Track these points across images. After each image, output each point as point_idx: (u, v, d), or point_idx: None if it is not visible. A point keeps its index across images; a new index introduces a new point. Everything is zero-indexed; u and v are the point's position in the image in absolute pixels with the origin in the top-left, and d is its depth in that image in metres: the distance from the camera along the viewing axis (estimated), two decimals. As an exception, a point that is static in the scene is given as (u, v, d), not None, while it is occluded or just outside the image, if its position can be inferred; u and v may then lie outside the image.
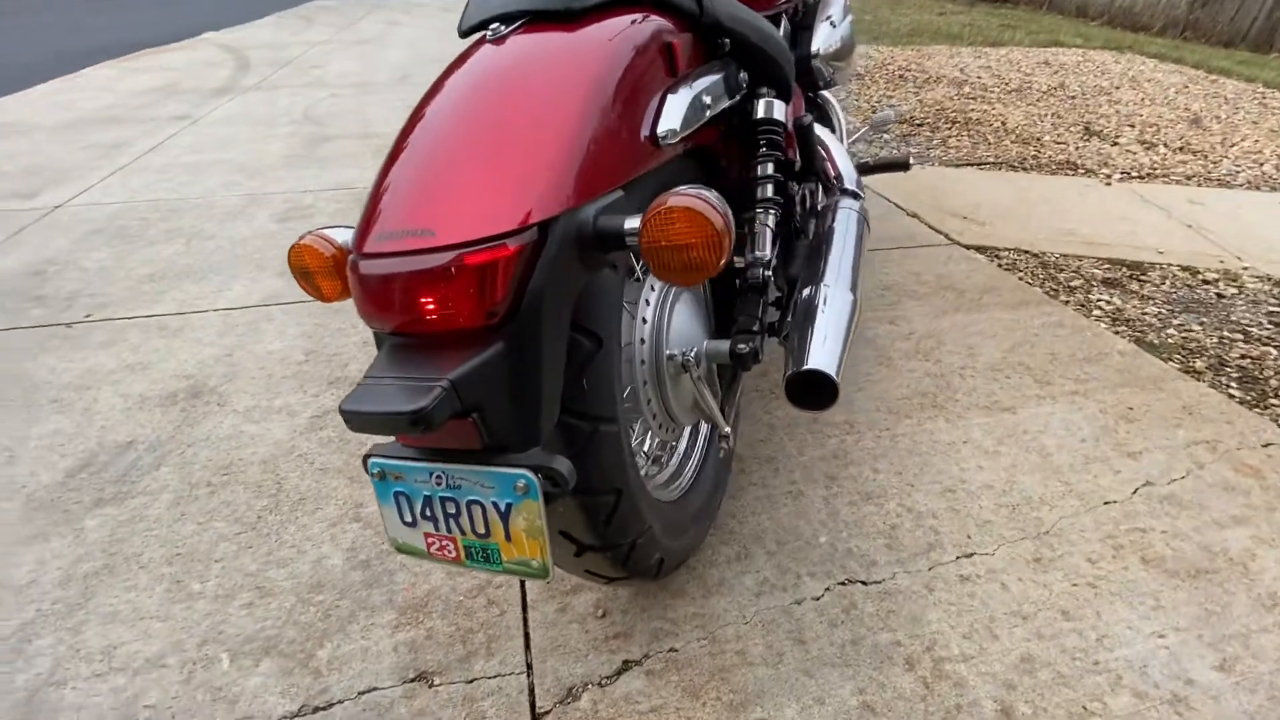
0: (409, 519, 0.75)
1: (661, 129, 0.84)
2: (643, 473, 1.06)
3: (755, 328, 1.10)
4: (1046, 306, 2.05)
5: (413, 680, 1.05)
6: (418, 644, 1.10)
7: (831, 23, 1.68)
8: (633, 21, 0.86)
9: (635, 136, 0.81)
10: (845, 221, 1.30)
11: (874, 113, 2.77)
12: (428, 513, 0.74)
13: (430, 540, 0.76)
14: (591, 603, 1.16)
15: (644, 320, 1.01)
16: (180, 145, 3.44)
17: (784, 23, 1.64)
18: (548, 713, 1.01)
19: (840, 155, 1.52)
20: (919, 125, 3.69)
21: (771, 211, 1.17)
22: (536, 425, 0.70)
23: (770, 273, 1.17)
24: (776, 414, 1.60)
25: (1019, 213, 2.66)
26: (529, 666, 1.07)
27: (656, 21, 0.90)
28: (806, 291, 1.11)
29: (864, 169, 1.98)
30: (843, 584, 1.20)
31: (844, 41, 1.73)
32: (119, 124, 3.80)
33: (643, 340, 1.00)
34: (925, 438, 1.53)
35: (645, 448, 1.09)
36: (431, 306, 0.65)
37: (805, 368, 0.94)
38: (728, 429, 1.11)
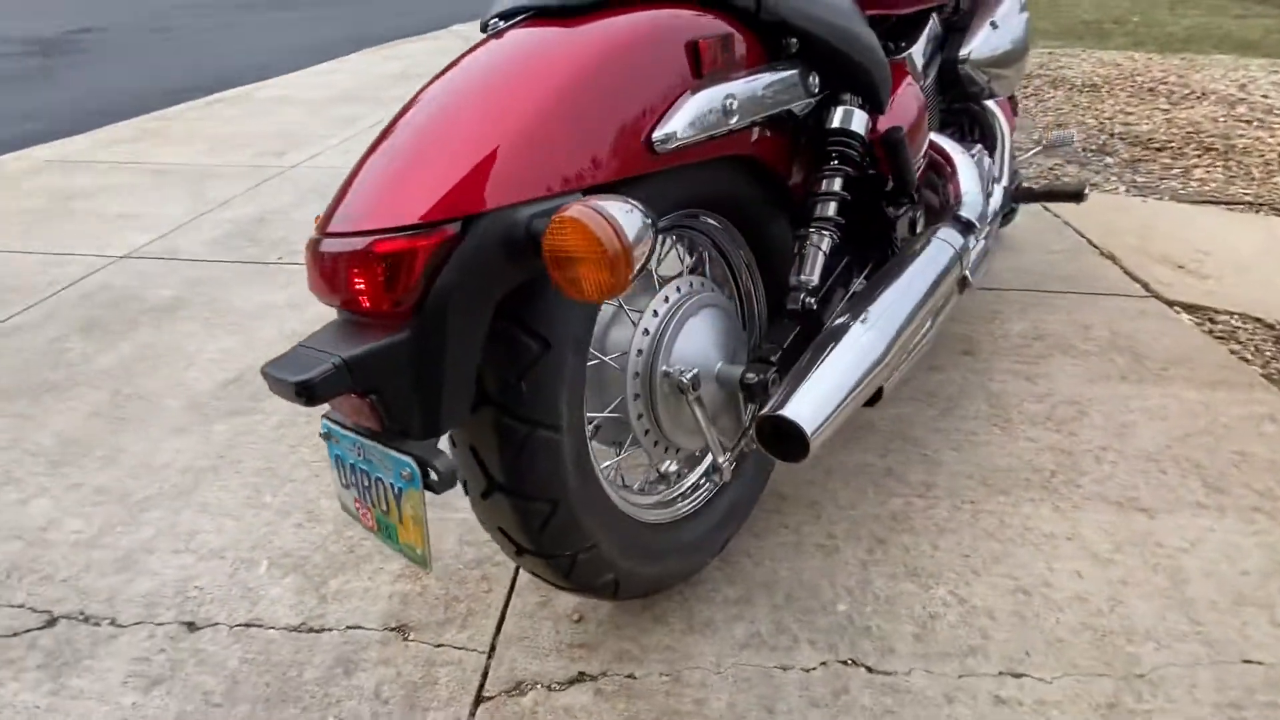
0: (344, 482, 0.80)
1: (660, 133, 0.79)
2: (620, 487, 1.02)
3: (776, 357, 1.00)
4: (1259, 393, 1.61)
5: (392, 629, 1.12)
6: (410, 597, 1.17)
7: (993, 25, 1.44)
8: (651, 19, 0.81)
9: (624, 138, 0.76)
10: (930, 256, 1.13)
11: (1098, 131, 2.35)
12: (353, 480, 0.78)
13: (358, 505, 0.80)
14: (573, 605, 1.14)
15: (645, 331, 0.96)
16: None
17: (932, 23, 1.44)
18: (491, 699, 1.01)
19: (968, 178, 1.31)
20: (1156, 149, 3.06)
21: (826, 233, 1.05)
22: (436, 416, 0.70)
23: (816, 300, 1.05)
24: (838, 456, 1.44)
25: (1263, 269, 2.11)
26: (492, 649, 1.09)
27: (683, 17, 0.83)
28: (836, 323, 0.99)
29: (1028, 195, 1.70)
30: (844, 663, 1.06)
31: (1010, 47, 1.48)
32: (357, 102, 4.39)
33: (639, 351, 0.96)
34: (1017, 522, 1.29)
35: (642, 463, 1.05)
36: (351, 289, 0.67)
37: (776, 412, 0.83)
38: (723, 460, 1.03)
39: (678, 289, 1.00)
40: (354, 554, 1.25)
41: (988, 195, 1.33)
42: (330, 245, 0.68)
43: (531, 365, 0.77)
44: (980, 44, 1.42)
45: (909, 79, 1.29)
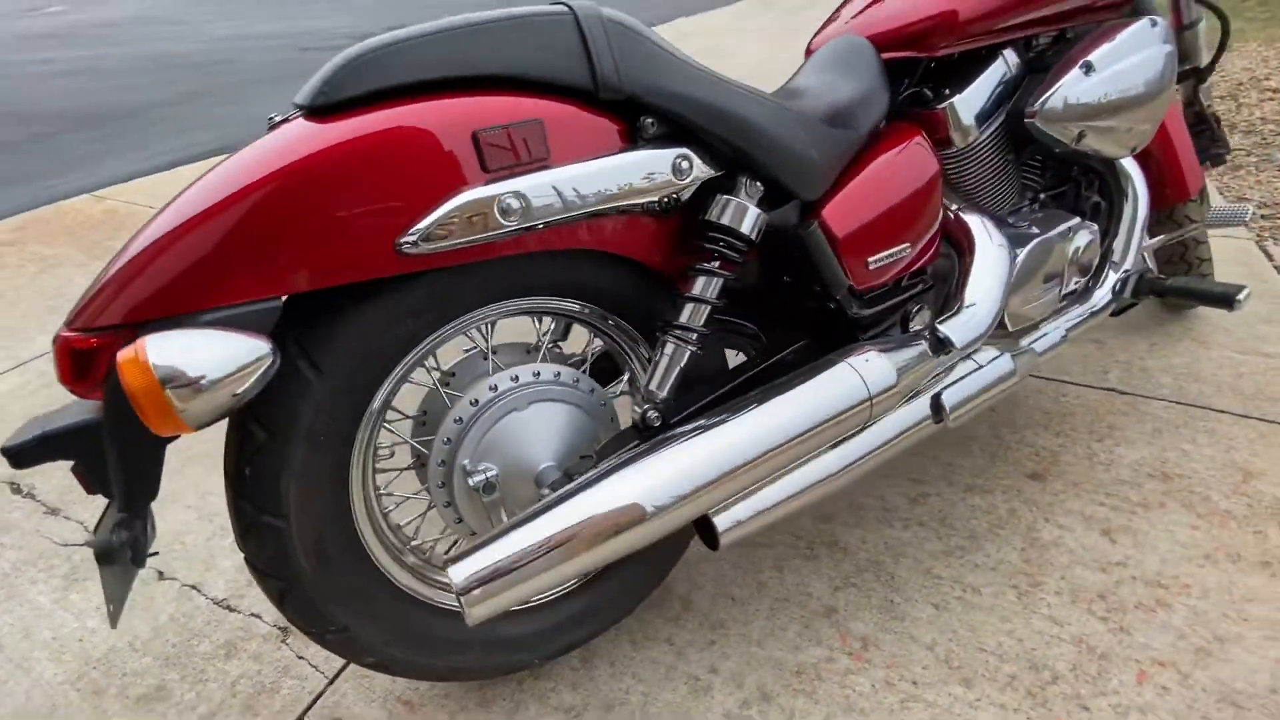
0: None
1: (406, 236, 0.70)
2: (421, 576, 0.96)
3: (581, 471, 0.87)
4: None
5: (279, 629, 1.21)
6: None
7: (1087, 67, 1.03)
8: (422, 111, 0.70)
9: (360, 240, 0.69)
10: (820, 384, 0.87)
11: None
12: None
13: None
14: (422, 659, 1.13)
15: (457, 420, 0.88)
16: None
17: (999, 64, 1.09)
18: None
19: (979, 282, 1.00)
20: None
21: (684, 343, 0.87)
22: (125, 493, 0.72)
23: (659, 415, 0.89)
24: (784, 573, 1.20)
25: None
26: (335, 678, 1.11)
27: (474, 107, 0.72)
28: (643, 448, 0.82)
29: (1161, 289, 1.25)
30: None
31: (1118, 95, 1.05)
32: None
33: (447, 440, 0.89)
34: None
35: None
36: (61, 373, 0.71)
37: (448, 566, 0.73)
38: None
39: (514, 378, 0.90)
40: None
41: (1000, 307, 0.97)
42: (61, 332, 0.72)
43: (255, 453, 0.76)
44: (1061, 93, 1.03)
45: (915, 141, 1.00)
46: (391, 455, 0.97)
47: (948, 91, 1.07)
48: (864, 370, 0.85)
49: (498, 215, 0.72)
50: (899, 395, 0.89)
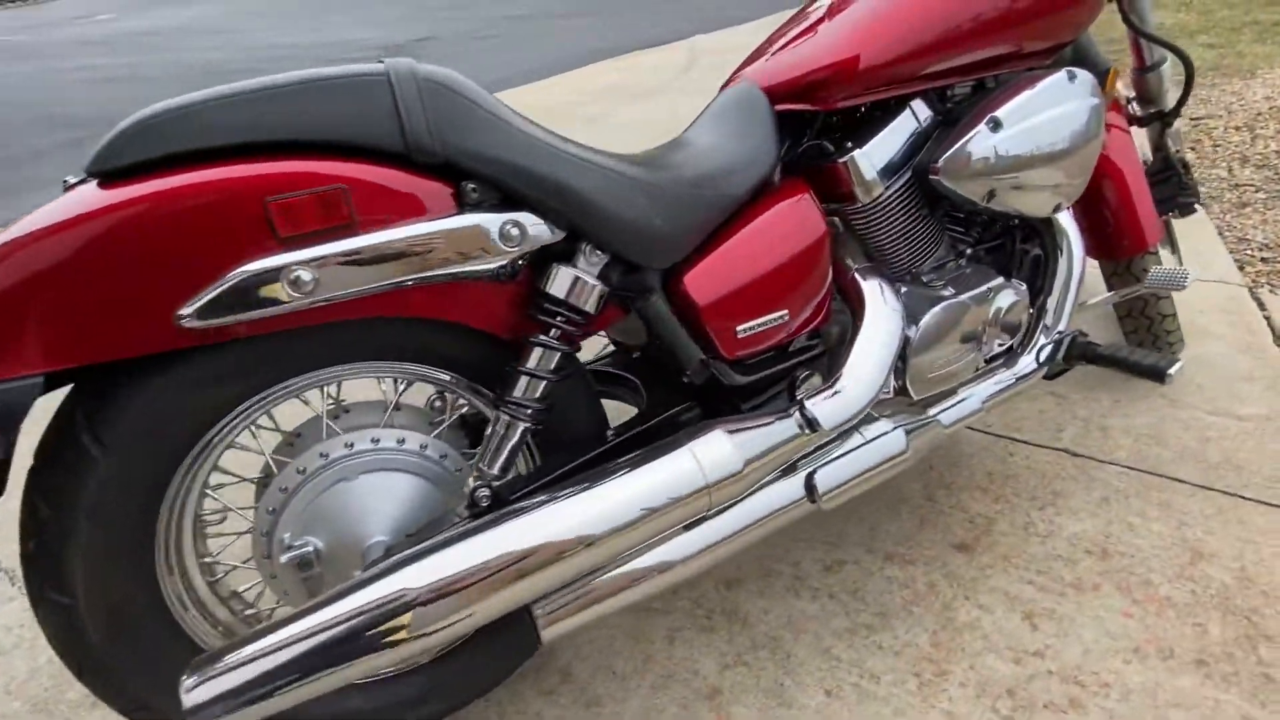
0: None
1: (185, 310, 0.66)
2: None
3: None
4: None
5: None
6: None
7: (994, 123, 0.94)
8: (205, 179, 0.65)
9: (137, 313, 0.65)
10: (660, 467, 0.80)
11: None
12: None
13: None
14: None
15: (282, 489, 0.83)
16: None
17: (912, 111, 1.00)
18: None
19: (863, 355, 0.92)
20: None
21: (518, 420, 0.80)
22: None
23: (489, 495, 0.82)
24: (672, 649, 1.12)
25: None
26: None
27: (269, 173, 0.67)
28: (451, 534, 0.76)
29: (1092, 356, 1.15)
30: None
31: (1027, 153, 0.96)
32: (544, 116, 4.47)
33: (271, 510, 0.83)
34: None
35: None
36: None
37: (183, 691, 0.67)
38: None
39: (348, 445, 0.85)
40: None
41: (881, 382, 0.89)
42: None
43: (40, 529, 0.72)
44: (966, 149, 0.94)
45: (799, 199, 0.92)
46: (224, 520, 0.93)
47: (850, 144, 0.99)
48: (705, 455, 0.78)
49: (287, 288, 0.67)
50: (749, 481, 0.82)
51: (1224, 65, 4.34)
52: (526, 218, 0.75)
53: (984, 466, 1.44)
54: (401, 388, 0.93)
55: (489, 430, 0.81)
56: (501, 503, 0.82)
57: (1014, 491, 1.37)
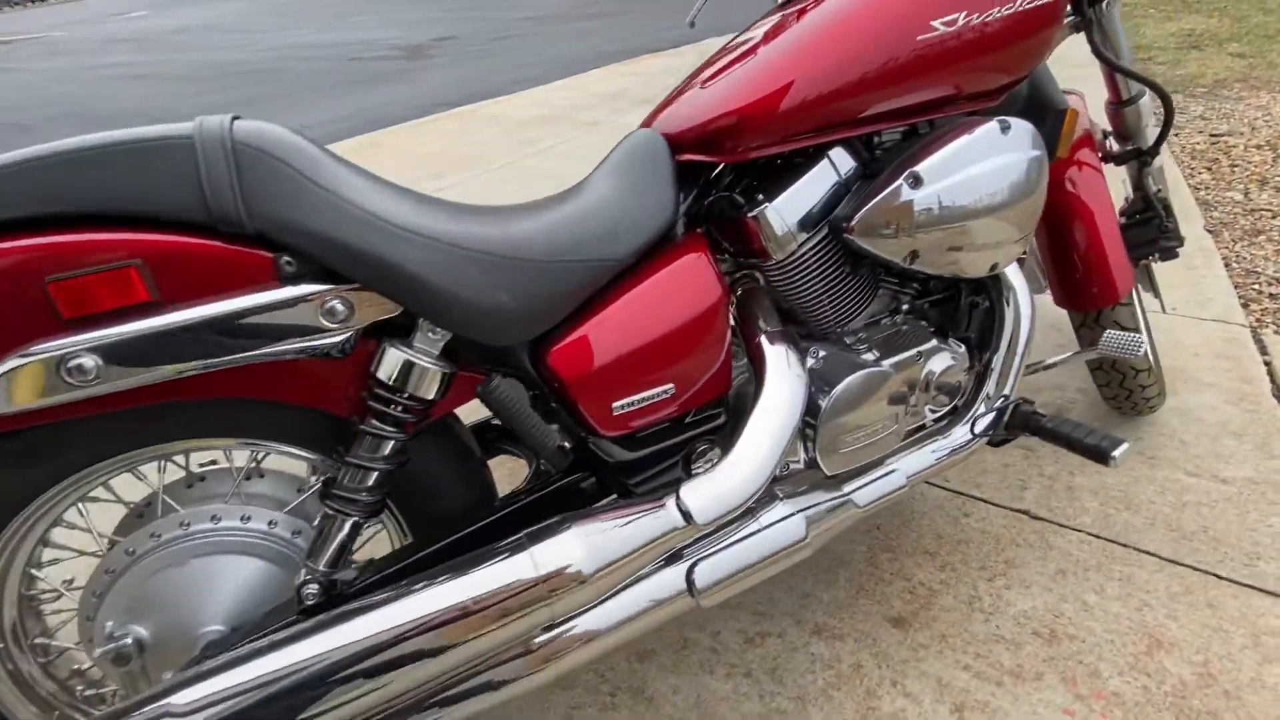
0: None
1: None
2: None
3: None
4: None
5: None
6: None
7: (914, 179, 0.83)
8: None
9: None
10: (495, 568, 0.71)
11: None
12: None
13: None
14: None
15: (108, 570, 0.77)
16: (564, 151, 3.77)
17: (830, 161, 0.90)
18: None
19: (755, 437, 0.83)
20: None
21: (346, 514, 0.73)
22: None
23: (318, 591, 0.75)
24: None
25: None
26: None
27: (51, 249, 0.60)
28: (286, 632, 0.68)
29: (1035, 428, 1.04)
30: None
31: (953, 214, 0.85)
32: (552, 123, 4.37)
33: (95, 594, 0.77)
34: None
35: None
36: None
37: None
38: None
39: (183, 524, 0.78)
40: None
41: (773, 464, 0.79)
42: None
43: None
44: (881, 206, 0.84)
45: (691, 260, 0.83)
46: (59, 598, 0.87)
47: (761, 196, 0.90)
48: (547, 560, 0.70)
49: (67, 376, 0.60)
50: (600, 589, 0.73)
51: (1252, 77, 4.11)
52: (354, 293, 0.67)
53: (935, 527, 1.33)
54: (260, 455, 0.87)
55: (317, 520, 0.74)
56: (336, 599, 0.74)
57: (963, 559, 1.26)
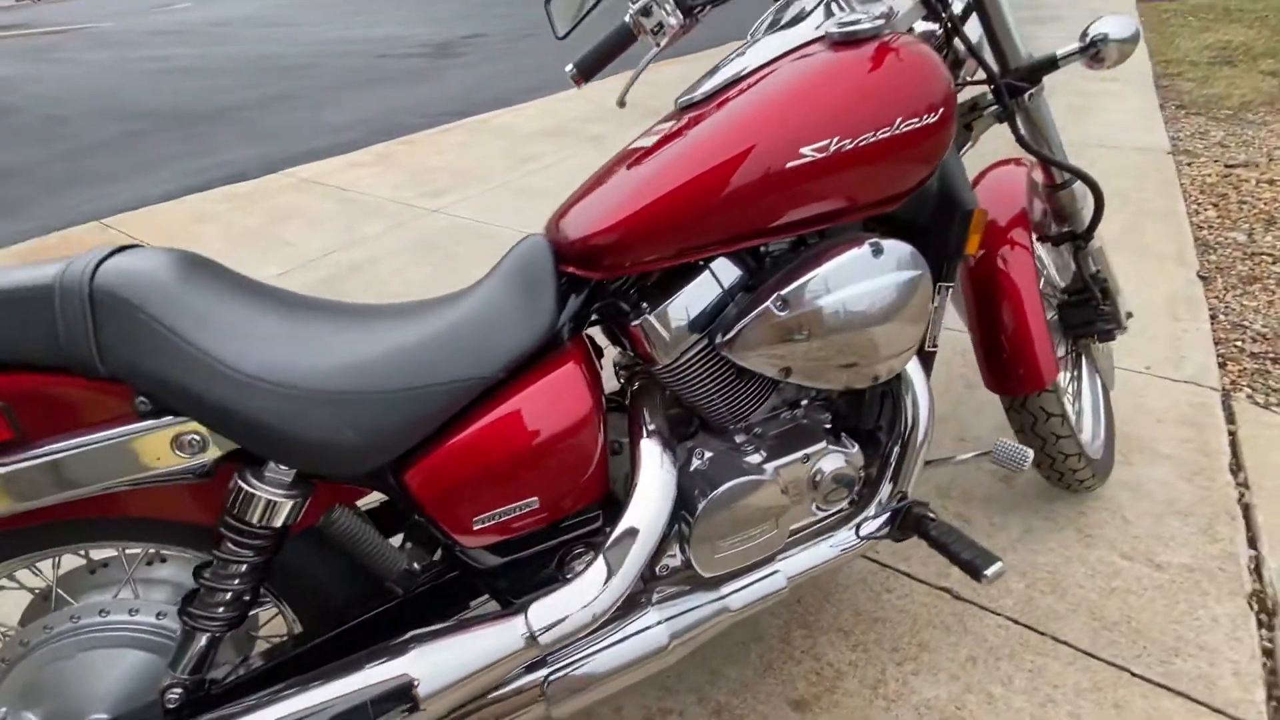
0: None
1: None
2: None
3: None
4: None
5: None
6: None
7: (783, 303, 0.82)
8: None
9: None
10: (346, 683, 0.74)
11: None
12: None
13: None
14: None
15: (2, 660, 0.82)
16: (563, 169, 3.72)
17: (712, 274, 0.90)
18: None
19: (610, 566, 0.84)
20: None
21: (204, 628, 0.77)
22: None
23: (182, 691, 0.79)
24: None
25: None
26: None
27: None
28: None
29: (920, 529, 1.04)
30: None
31: (822, 334, 0.85)
32: (559, 136, 4.33)
33: None
34: None
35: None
36: None
37: None
38: None
39: (73, 618, 0.83)
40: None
41: (631, 580, 0.80)
42: None
43: None
44: (752, 326, 0.84)
45: (562, 373, 0.84)
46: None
47: (645, 304, 0.91)
48: (386, 677, 0.73)
49: None
50: (433, 714, 0.76)
51: (1280, 100, 3.92)
52: (205, 427, 0.71)
53: (855, 603, 1.33)
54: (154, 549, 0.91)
55: (180, 634, 0.78)
56: (200, 704, 0.78)
57: (877, 639, 1.26)
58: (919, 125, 0.85)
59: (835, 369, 0.89)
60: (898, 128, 0.84)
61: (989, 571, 0.92)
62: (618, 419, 1.04)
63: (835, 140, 0.82)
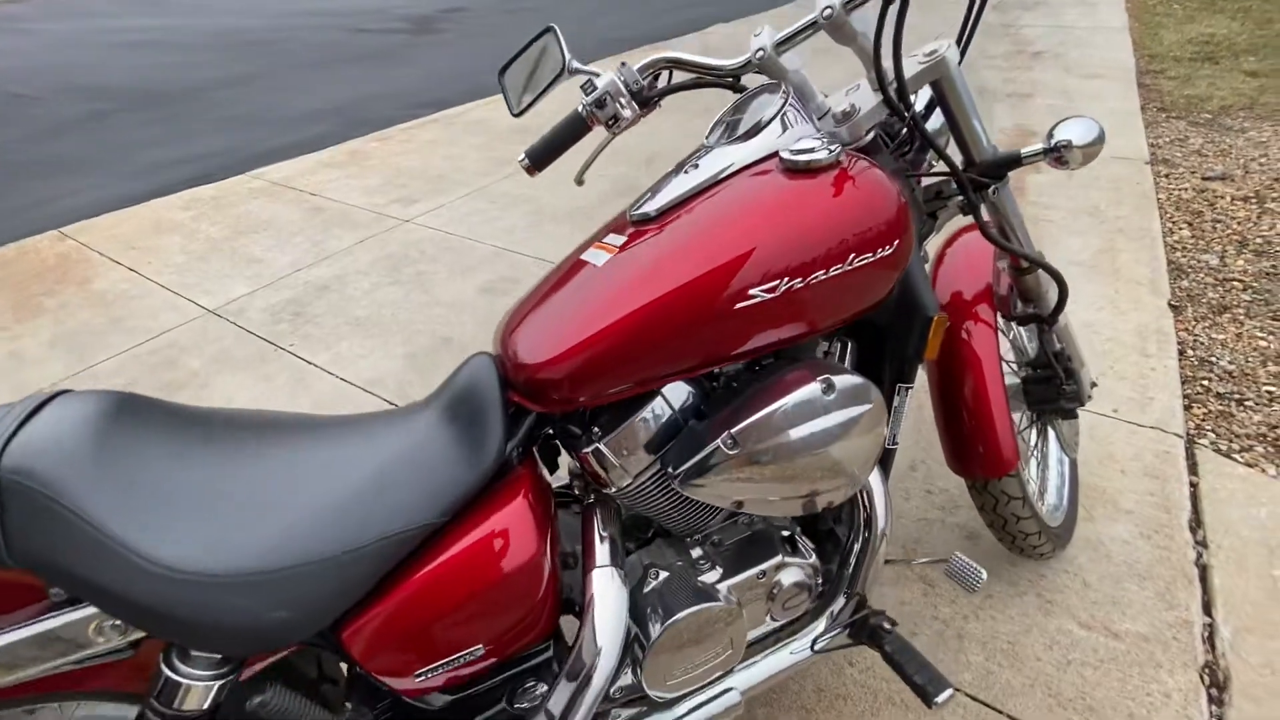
0: None
1: None
2: None
3: None
4: None
5: None
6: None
7: (733, 441, 0.79)
8: None
9: None
10: None
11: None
12: None
13: None
14: None
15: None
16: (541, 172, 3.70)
17: (664, 399, 0.86)
18: None
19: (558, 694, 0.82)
20: None
21: None
22: None
23: None
24: None
25: None
26: None
27: None
28: None
29: (879, 649, 1.03)
30: None
31: (767, 474, 0.81)
32: (534, 135, 4.26)
33: None
34: None
35: None
36: None
37: None
38: None
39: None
40: None
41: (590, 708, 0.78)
42: None
43: None
44: (698, 465, 0.80)
45: (515, 506, 0.80)
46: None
47: (597, 430, 0.87)
48: None
49: None
50: None
51: (1260, 103, 3.87)
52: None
53: (819, 679, 1.33)
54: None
55: None
56: None
57: (838, 717, 1.26)
58: (873, 259, 0.81)
59: (787, 501, 0.86)
60: (851, 263, 0.80)
61: (939, 699, 0.91)
62: (570, 518, 1.01)
63: (785, 281, 0.78)
